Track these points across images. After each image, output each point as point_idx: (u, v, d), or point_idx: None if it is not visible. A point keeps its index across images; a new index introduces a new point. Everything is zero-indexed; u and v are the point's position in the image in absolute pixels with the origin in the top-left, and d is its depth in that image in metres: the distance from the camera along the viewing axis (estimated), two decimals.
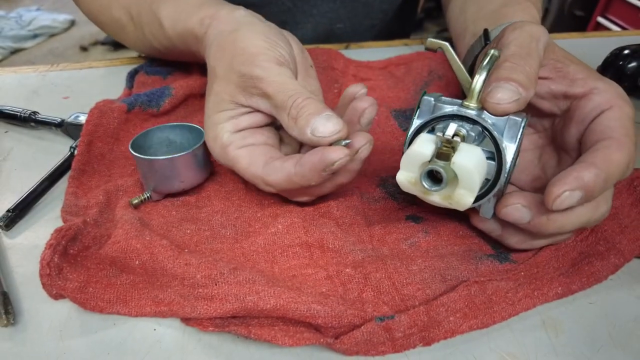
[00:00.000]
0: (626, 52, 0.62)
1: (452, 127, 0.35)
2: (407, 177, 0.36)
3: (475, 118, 0.36)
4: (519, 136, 0.36)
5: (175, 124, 0.47)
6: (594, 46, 0.77)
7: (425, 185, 0.35)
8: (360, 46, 0.76)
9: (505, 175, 0.36)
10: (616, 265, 0.38)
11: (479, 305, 0.35)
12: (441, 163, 0.34)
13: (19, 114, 0.56)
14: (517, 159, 0.38)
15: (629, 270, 0.39)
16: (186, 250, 0.38)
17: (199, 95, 0.59)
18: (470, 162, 0.34)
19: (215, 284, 0.35)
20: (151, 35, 0.58)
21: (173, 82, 0.60)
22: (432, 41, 0.41)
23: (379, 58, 0.69)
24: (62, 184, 0.47)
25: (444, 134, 0.35)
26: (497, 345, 0.34)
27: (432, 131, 0.38)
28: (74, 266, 0.36)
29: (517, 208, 0.36)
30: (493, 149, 0.36)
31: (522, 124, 0.36)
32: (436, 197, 0.36)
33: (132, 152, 0.42)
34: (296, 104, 0.39)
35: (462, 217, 0.42)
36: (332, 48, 0.71)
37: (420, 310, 0.34)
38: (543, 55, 0.38)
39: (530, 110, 0.41)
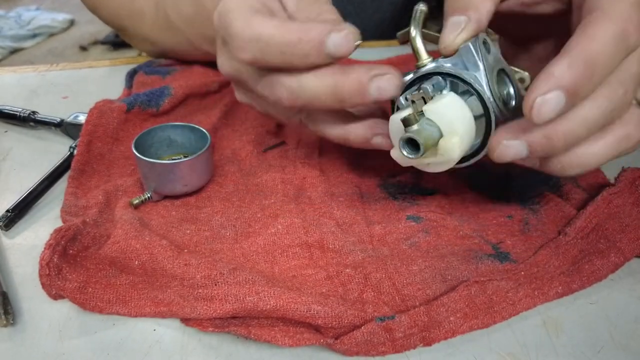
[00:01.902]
0: None
1: (409, 93, 0.35)
2: (398, 151, 0.35)
3: (432, 70, 0.35)
4: (479, 57, 0.34)
5: (177, 123, 0.47)
6: None
7: (405, 153, 0.33)
8: (360, 46, 0.76)
9: (491, 101, 0.34)
10: (616, 264, 0.38)
11: (480, 305, 0.35)
12: (412, 128, 0.33)
13: (18, 113, 0.56)
14: (503, 76, 0.37)
15: (630, 270, 0.39)
16: (186, 251, 0.38)
17: (199, 95, 0.59)
18: (441, 103, 0.33)
19: (215, 285, 0.35)
20: (174, 9, 0.59)
21: (172, 82, 0.60)
22: (401, 33, 0.40)
23: (379, 58, 0.69)
24: (62, 184, 0.47)
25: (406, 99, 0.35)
26: (497, 346, 0.34)
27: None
28: (74, 266, 0.36)
29: (507, 145, 0.32)
30: (466, 87, 0.35)
31: (476, 44, 0.34)
32: (430, 159, 0.35)
33: (136, 154, 0.42)
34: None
35: (462, 217, 0.42)
36: None
37: (421, 310, 0.34)
38: None
39: (536, 21, 0.39)
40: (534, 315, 0.36)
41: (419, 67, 0.36)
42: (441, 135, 0.33)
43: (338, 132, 0.40)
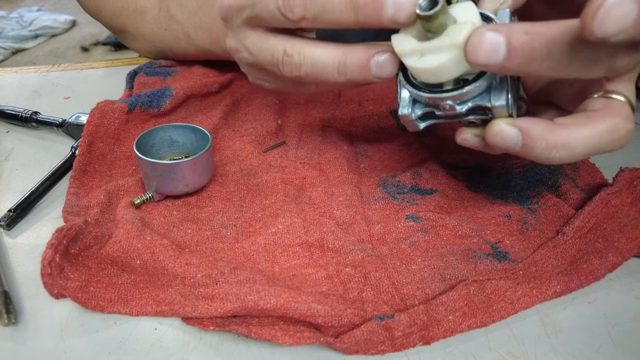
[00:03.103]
0: None
1: None
2: (403, 36, 0.35)
3: None
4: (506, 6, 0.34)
5: (178, 124, 0.47)
6: None
7: (422, 3, 0.32)
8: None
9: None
10: (614, 264, 0.38)
11: (478, 305, 0.35)
12: None
13: (20, 114, 0.56)
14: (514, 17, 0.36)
15: (628, 270, 0.39)
16: (187, 250, 0.38)
17: (200, 96, 0.59)
18: (465, 4, 0.33)
19: (216, 284, 0.35)
20: (178, 6, 0.62)
21: (173, 83, 0.60)
22: None
23: None
24: (64, 184, 0.48)
25: None
26: (496, 344, 0.34)
27: None
28: (75, 266, 0.36)
29: (484, 34, 0.29)
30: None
31: (512, 16, 0.34)
32: (435, 43, 0.33)
33: (138, 154, 0.42)
34: None
35: (461, 217, 0.43)
36: None
37: (420, 309, 0.34)
38: None
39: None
40: (533, 314, 0.36)
41: None
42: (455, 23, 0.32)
43: (332, 69, 0.39)
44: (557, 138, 0.32)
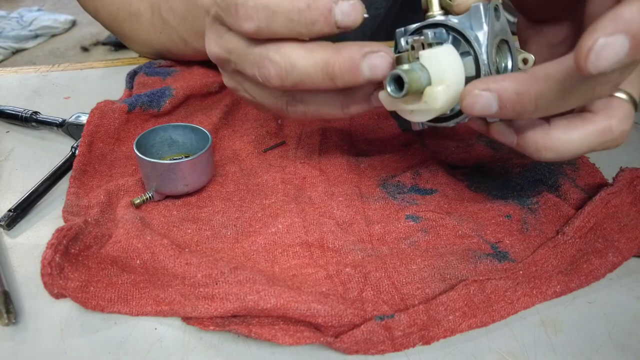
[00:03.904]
0: None
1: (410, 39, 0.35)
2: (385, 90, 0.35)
3: (437, 22, 0.35)
4: (485, 20, 0.34)
5: (178, 124, 0.47)
6: None
7: (389, 89, 0.33)
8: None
9: (485, 63, 0.35)
10: (614, 264, 0.38)
11: (478, 304, 0.35)
12: (402, 67, 0.33)
13: (20, 114, 0.56)
14: (503, 45, 0.37)
15: (628, 270, 0.39)
16: (187, 250, 0.38)
17: (200, 96, 0.59)
18: (436, 50, 0.33)
19: (216, 284, 0.35)
20: (167, 7, 0.61)
21: (173, 83, 0.60)
22: None
23: None
24: (64, 184, 0.48)
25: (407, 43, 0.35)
26: (496, 344, 0.34)
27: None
28: (75, 265, 0.36)
29: (478, 94, 0.31)
30: (467, 47, 0.35)
31: (487, 8, 0.34)
32: (414, 105, 0.34)
33: (138, 153, 0.42)
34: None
35: (461, 217, 0.43)
36: None
37: (420, 309, 0.34)
38: None
39: (556, 1, 0.38)
40: (533, 315, 0.36)
41: (427, 18, 0.36)
42: (429, 83, 0.33)
43: (318, 71, 0.36)
44: (547, 142, 0.34)
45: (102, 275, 0.37)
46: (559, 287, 0.36)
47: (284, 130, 0.55)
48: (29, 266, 0.40)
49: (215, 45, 0.40)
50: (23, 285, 0.38)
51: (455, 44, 0.35)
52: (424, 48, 0.34)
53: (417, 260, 0.38)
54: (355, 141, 0.54)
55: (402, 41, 0.36)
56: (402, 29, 0.38)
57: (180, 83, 0.58)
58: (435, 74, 0.33)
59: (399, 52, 0.36)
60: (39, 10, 3.26)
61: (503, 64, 0.38)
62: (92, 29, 3.07)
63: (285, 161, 0.50)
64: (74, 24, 3.21)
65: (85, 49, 2.93)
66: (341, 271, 0.37)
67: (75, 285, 0.35)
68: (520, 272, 0.37)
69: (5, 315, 0.35)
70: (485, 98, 0.31)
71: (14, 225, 0.44)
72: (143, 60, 0.71)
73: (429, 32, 0.34)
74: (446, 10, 0.36)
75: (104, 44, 2.95)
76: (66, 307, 0.36)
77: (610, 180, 0.44)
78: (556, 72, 0.29)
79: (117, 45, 2.87)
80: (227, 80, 0.44)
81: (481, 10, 0.35)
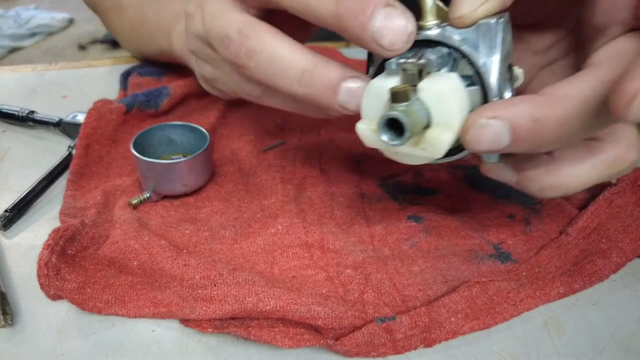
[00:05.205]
0: None
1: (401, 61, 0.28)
2: (369, 124, 0.29)
3: (436, 38, 0.28)
4: (498, 42, 0.28)
5: (176, 123, 0.47)
6: None
7: (385, 139, 0.26)
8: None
9: (495, 98, 0.28)
10: (618, 265, 0.38)
11: (481, 306, 0.34)
12: (401, 106, 0.26)
13: (16, 113, 0.56)
14: (510, 72, 0.30)
15: (632, 271, 0.39)
16: (185, 251, 0.38)
17: (197, 95, 0.59)
18: (444, 86, 0.27)
19: (214, 285, 0.35)
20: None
21: (169, 83, 0.60)
22: None
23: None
24: (60, 184, 0.47)
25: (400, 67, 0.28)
26: (498, 346, 0.34)
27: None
28: (72, 267, 0.36)
29: (485, 124, 0.26)
30: (472, 71, 0.29)
31: (500, 25, 0.28)
32: (407, 148, 0.28)
33: (135, 153, 0.42)
34: None
35: (463, 217, 0.42)
36: (332, 47, 0.71)
37: (422, 311, 0.33)
38: None
39: (543, 5, 0.34)
40: (536, 316, 0.36)
41: (420, 29, 0.29)
42: (429, 124, 0.27)
43: (294, 74, 0.32)
44: (553, 179, 0.31)
45: (99, 276, 0.36)
46: (562, 288, 0.36)
47: (283, 130, 0.55)
48: (25, 267, 0.39)
49: (201, 25, 0.37)
50: (20, 287, 0.38)
51: (455, 66, 0.29)
52: (420, 75, 0.28)
53: (418, 261, 0.38)
54: (356, 140, 0.54)
55: (393, 63, 0.29)
56: None
57: (177, 82, 0.58)
58: (438, 115, 0.27)
59: (378, 72, 0.30)
60: (35, 8, 3.25)
61: (505, 93, 0.30)
62: (89, 27, 3.06)
63: (285, 161, 0.50)
64: (71, 22, 3.21)
65: (82, 48, 2.92)
66: (342, 272, 0.37)
67: (72, 286, 0.35)
68: (523, 273, 0.37)
69: (1, 317, 0.35)
70: (494, 129, 0.25)
71: (11, 226, 0.43)
72: (139, 60, 0.71)
73: (432, 57, 0.28)
74: (442, 19, 0.29)
75: (101, 42, 2.94)
76: (63, 309, 0.36)
77: (614, 180, 0.43)
78: (578, 93, 0.25)
79: (115, 43, 2.85)
80: (200, 66, 0.41)
81: (493, 29, 0.28)
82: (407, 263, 0.38)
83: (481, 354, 0.33)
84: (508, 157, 0.32)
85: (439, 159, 0.30)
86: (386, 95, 0.28)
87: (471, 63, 0.28)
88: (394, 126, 0.26)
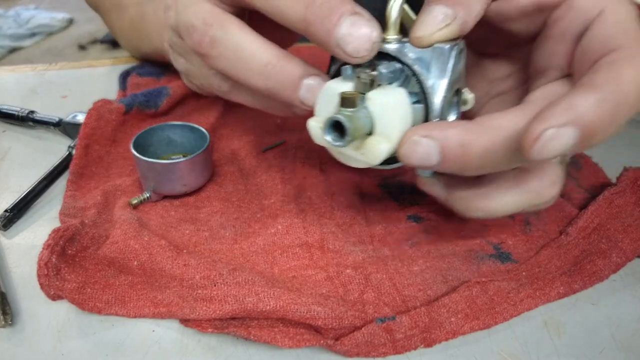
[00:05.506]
0: None
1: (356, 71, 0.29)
2: (320, 122, 0.30)
3: (393, 53, 0.30)
4: (449, 67, 0.29)
5: (176, 123, 0.47)
6: None
7: (329, 140, 0.28)
8: None
9: (436, 119, 0.30)
10: (618, 265, 0.38)
11: (481, 306, 0.34)
12: (347, 111, 0.28)
13: (16, 113, 0.56)
14: (458, 96, 0.32)
15: (632, 271, 0.39)
16: (185, 251, 0.38)
17: (196, 95, 0.58)
18: (390, 98, 0.28)
19: (214, 285, 0.35)
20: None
21: (169, 83, 0.59)
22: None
23: None
24: (60, 184, 0.47)
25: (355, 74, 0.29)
26: (498, 346, 0.34)
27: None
28: (72, 267, 0.36)
29: (417, 142, 0.27)
30: (419, 90, 0.30)
31: (453, 52, 0.29)
32: (350, 151, 0.30)
33: (135, 153, 0.42)
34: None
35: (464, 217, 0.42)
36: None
37: (422, 311, 0.33)
38: None
39: (504, 37, 0.35)
40: (536, 316, 0.36)
41: (383, 41, 0.30)
42: (371, 132, 0.29)
43: (257, 66, 0.33)
44: (478, 202, 0.32)
45: (99, 276, 0.36)
46: (562, 288, 0.36)
47: (283, 130, 0.55)
48: (25, 267, 0.39)
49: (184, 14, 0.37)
50: (20, 287, 0.38)
51: (406, 83, 0.31)
52: (372, 85, 0.29)
53: (418, 261, 0.38)
54: None
55: (349, 69, 0.30)
56: None
57: (177, 82, 0.57)
58: (381, 126, 0.28)
59: (338, 77, 0.31)
60: (35, 8, 3.25)
61: (448, 116, 0.32)
62: (89, 27, 3.06)
63: (285, 161, 0.50)
64: (71, 22, 3.21)
65: (82, 48, 2.92)
66: (342, 272, 0.37)
67: (72, 286, 0.34)
68: (524, 273, 0.36)
69: (1, 317, 0.35)
70: (425, 147, 0.27)
71: (11, 226, 0.43)
72: (139, 60, 0.71)
73: (384, 71, 0.29)
74: (405, 32, 0.31)
75: (101, 42, 2.94)
76: (63, 309, 0.36)
77: (613, 180, 0.43)
78: (507, 125, 0.26)
79: (115, 43, 2.85)
80: (175, 56, 0.42)
81: (446, 55, 0.29)
82: (407, 263, 0.38)
83: (481, 354, 0.33)
84: (441, 174, 0.33)
85: (376, 165, 0.31)
86: (337, 98, 0.29)
87: (420, 82, 0.30)
88: (339, 128, 0.28)
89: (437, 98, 0.30)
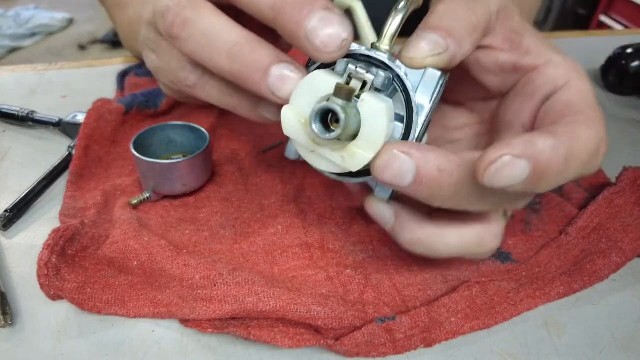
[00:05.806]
0: (629, 51, 0.62)
1: (353, 67, 0.28)
2: (297, 112, 0.28)
3: (388, 62, 0.29)
4: (435, 93, 0.29)
5: (176, 123, 0.47)
6: (596, 45, 0.77)
7: (316, 130, 0.27)
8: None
9: (414, 140, 0.29)
10: (618, 264, 0.38)
11: (481, 306, 0.34)
12: (340, 101, 0.26)
13: (16, 113, 0.56)
14: (428, 125, 0.31)
15: (632, 271, 0.39)
16: (185, 251, 0.38)
17: None
18: (382, 104, 0.27)
19: (214, 285, 0.35)
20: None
21: None
22: (340, 1, 0.34)
23: None
24: (60, 184, 0.47)
25: (352, 69, 0.28)
26: (498, 347, 0.34)
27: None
28: (72, 267, 0.36)
29: (395, 155, 0.27)
30: (401, 109, 0.29)
31: (442, 80, 0.29)
32: (327, 151, 0.28)
33: (135, 153, 0.42)
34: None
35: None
36: None
37: (422, 311, 0.33)
38: (496, 17, 0.31)
39: (475, 88, 0.35)
40: (536, 316, 0.36)
41: (375, 48, 0.29)
42: (355, 137, 0.28)
43: (222, 46, 0.31)
44: (424, 237, 0.32)
45: (99, 276, 0.36)
46: (562, 288, 0.36)
47: (283, 130, 0.55)
48: (25, 267, 0.39)
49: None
50: (19, 287, 0.38)
51: (394, 98, 0.30)
52: (363, 86, 0.28)
53: (418, 261, 0.38)
54: None
55: (341, 63, 0.29)
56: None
57: None
58: (367, 130, 0.27)
59: (328, 69, 0.30)
60: (35, 8, 3.25)
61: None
62: (89, 27, 3.06)
63: (285, 161, 0.50)
64: (71, 22, 3.20)
65: (82, 47, 2.92)
66: (342, 273, 0.37)
67: (72, 286, 0.34)
68: (523, 273, 0.37)
69: (1, 317, 0.35)
70: (402, 164, 0.27)
71: (10, 226, 0.43)
72: (138, 60, 0.71)
73: (382, 74, 0.28)
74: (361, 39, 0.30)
75: (101, 42, 2.94)
76: (63, 309, 0.36)
77: (613, 180, 0.43)
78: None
79: (115, 43, 2.86)
80: (148, 51, 0.40)
81: (437, 80, 0.29)
82: (407, 263, 0.38)
83: (481, 354, 0.33)
84: (396, 198, 0.33)
85: (341, 174, 0.31)
86: (325, 90, 0.27)
87: (407, 99, 0.29)
88: (324, 120, 0.27)
89: (421, 119, 0.29)
